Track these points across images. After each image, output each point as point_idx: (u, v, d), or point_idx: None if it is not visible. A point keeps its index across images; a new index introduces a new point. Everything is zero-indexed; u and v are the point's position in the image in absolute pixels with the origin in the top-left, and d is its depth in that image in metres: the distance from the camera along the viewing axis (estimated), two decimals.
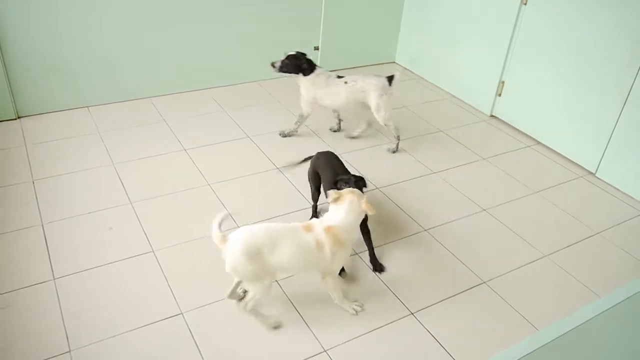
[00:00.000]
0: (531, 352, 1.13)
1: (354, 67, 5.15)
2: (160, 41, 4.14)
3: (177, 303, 2.46)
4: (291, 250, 2.22)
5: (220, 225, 2.26)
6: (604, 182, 3.64)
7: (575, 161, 3.82)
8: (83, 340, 2.24)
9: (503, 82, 4.27)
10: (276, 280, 2.60)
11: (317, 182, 2.95)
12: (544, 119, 4.01)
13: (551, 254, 2.95)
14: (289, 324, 2.41)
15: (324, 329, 2.38)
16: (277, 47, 4.65)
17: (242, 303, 2.30)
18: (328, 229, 2.28)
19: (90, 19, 3.82)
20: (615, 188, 3.58)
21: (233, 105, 4.27)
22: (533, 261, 2.89)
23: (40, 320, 2.33)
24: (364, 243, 2.76)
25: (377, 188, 3.39)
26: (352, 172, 2.80)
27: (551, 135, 3.99)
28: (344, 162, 2.97)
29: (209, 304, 2.47)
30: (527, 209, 3.32)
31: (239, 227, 2.50)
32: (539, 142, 4.07)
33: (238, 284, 2.41)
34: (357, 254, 2.84)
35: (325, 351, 2.28)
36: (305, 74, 3.64)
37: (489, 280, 2.72)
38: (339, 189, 2.52)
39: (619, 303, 1.31)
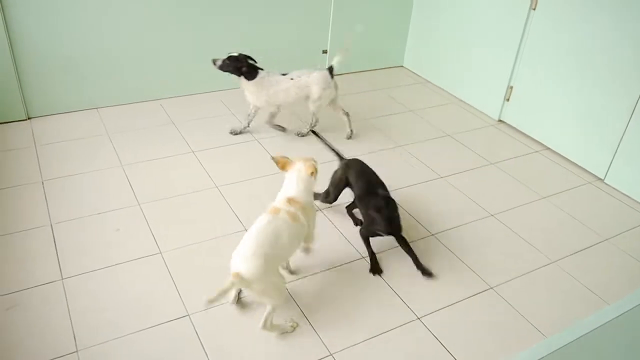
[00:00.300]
0: None
1: (361, 71, 5.16)
2: (169, 44, 4.17)
3: (183, 305, 2.46)
4: (284, 236, 2.30)
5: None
6: (613, 188, 3.62)
7: (584, 167, 3.81)
8: (90, 340, 2.25)
9: (511, 87, 4.26)
10: None
11: (341, 189, 2.96)
12: (552, 124, 4.00)
13: (559, 260, 2.94)
14: (296, 328, 2.40)
15: (330, 333, 2.38)
16: (286, 50, 4.69)
17: (264, 323, 2.30)
18: (290, 201, 2.43)
19: (100, 22, 3.85)
20: (623, 194, 3.56)
21: (241, 108, 4.27)
22: (540, 267, 2.87)
23: (47, 320, 2.34)
24: (369, 249, 2.78)
25: None
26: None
27: (559, 140, 3.97)
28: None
29: (216, 306, 2.47)
30: (534, 215, 3.31)
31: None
32: (547, 148, 4.05)
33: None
34: (363, 257, 2.84)
35: (331, 355, 2.28)
36: (247, 78, 3.65)
37: (496, 286, 2.71)
38: (366, 204, 2.72)
39: (629, 310, 1.30)
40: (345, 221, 3.10)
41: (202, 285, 2.58)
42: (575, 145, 3.86)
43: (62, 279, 2.55)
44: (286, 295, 2.45)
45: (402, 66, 5.39)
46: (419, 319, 2.49)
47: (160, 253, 2.76)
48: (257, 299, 2.36)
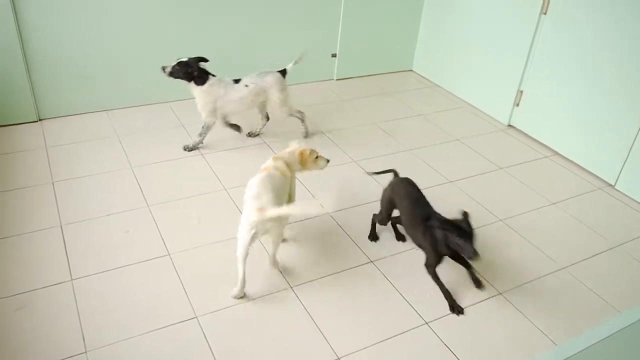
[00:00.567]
0: None
1: (370, 75, 5.16)
2: (179, 47, 4.17)
3: (192, 307, 2.47)
4: (277, 184, 2.60)
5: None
6: (624, 194, 3.60)
7: (594, 173, 3.78)
8: (99, 341, 2.26)
9: (521, 92, 4.24)
10: (292, 288, 2.61)
11: (390, 210, 2.84)
12: (562, 129, 3.98)
13: (568, 266, 2.92)
14: (303, 331, 2.41)
15: (338, 337, 2.38)
16: (296, 53, 4.69)
17: (272, 261, 2.69)
18: (275, 159, 2.74)
19: (111, 25, 3.88)
20: (635, 201, 3.54)
21: (249, 112, 4.28)
22: (550, 273, 2.85)
23: (56, 321, 2.35)
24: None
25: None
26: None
27: (570, 146, 3.95)
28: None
29: (224, 308, 2.47)
30: (544, 220, 3.29)
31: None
32: (557, 153, 4.03)
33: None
34: (371, 261, 2.83)
35: (339, 359, 2.28)
36: (197, 83, 3.50)
37: (505, 292, 2.69)
38: (430, 234, 2.49)
39: None
40: (354, 225, 3.09)
41: (210, 287, 2.59)
42: (585, 151, 3.84)
43: (72, 279, 2.56)
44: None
45: (411, 70, 5.38)
46: (426, 323, 2.48)
47: (169, 255, 2.77)
48: (271, 235, 2.57)
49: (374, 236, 3.01)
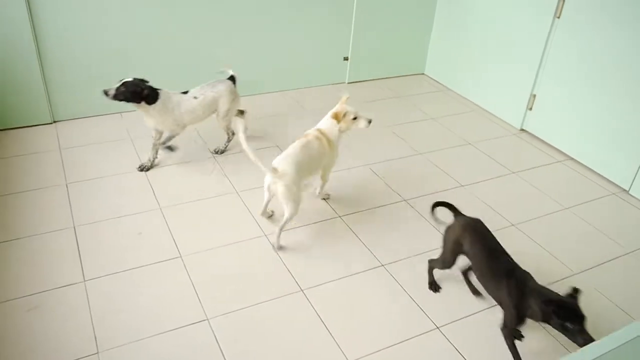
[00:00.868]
0: None
1: (382, 78, 5.15)
2: (192, 51, 4.21)
3: (203, 309, 2.48)
4: (312, 153, 2.91)
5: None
6: (638, 199, 3.56)
7: (608, 178, 3.75)
8: (111, 342, 2.28)
9: (534, 96, 4.21)
10: (302, 291, 2.61)
11: (456, 254, 2.48)
12: (576, 133, 3.94)
13: (581, 272, 2.89)
14: (314, 334, 2.40)
15: (349, 340, 2.37)
16: (308, 57, 4.71)
17: (281, 227, 2.85)
18: (319, 131, 3.02)
19: (126, 27, 3.91)
20: None
21: (261, 114, 4.30)
22: (562, 279, 2.83)
23: (69, 322, 2.37)
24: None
25: (404, 200, 3.37)
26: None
27: (583, 150, 3.92)
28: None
29: (235, 310, 2.48)
30: (557, 225, 3.27)
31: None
32: (570, 158, 4.00)
33: (267, 203, 3.02)
34: (382, 265, 2.82)
35: None
36: (149, 102, 3.28)
37: None
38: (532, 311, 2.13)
39: None
40: (364, 228, 3.09)
41: (222, 289, 2.59)
42: (599, 156, 3.80)
43: (84, 281, 2.58)
44: (299, 210, 2.86)
45: (423, 74, 5.37)
46: (438, 328, 2.47)
47: (181, 257, 2.78)
48: (281, 199, 2.79)
49: (435, 286, 2.69)
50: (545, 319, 2.08)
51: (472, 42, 4.71)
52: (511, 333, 2.28)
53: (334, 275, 2.74)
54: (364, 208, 3.26)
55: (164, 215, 3.07)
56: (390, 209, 3.29)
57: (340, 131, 3.06)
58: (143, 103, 3.28)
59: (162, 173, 3.47)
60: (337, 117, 3.03)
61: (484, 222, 2.50)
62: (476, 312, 2.57)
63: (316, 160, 2.99)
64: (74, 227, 2.93)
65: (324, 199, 3.31)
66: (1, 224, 2.92)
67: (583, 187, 3.70)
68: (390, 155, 3.87)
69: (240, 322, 2.43)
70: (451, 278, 2.75)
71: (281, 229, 2.86)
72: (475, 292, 2.67)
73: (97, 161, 3.54)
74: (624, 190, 3.65)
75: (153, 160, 3.52)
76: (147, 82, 3.31)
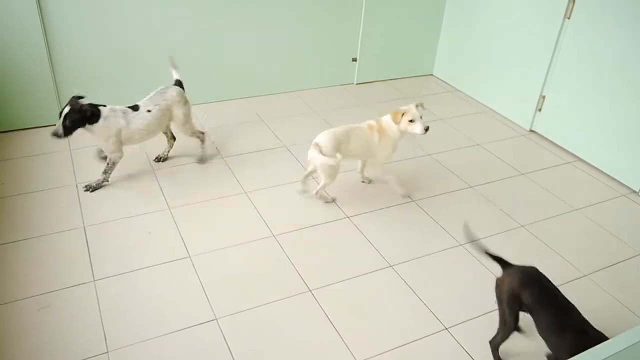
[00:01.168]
0: None
1: (391, 79, 5.15)
2: (201, 52, 4.23)
3: (212, 309, 2.49)
4: (357, 137, 3.11)
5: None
6: None
7: (618, 179, 3.72)
8: (120, 342, 2.29)
9: (544, 97, 4.20)
10: (311, 291, 2.62)
11: (517, 313, 2.15)
12: (585, 135, 3.92)
13: (591, 273, 2.88)
14: (322, 334, 2.41)
15: (357, 341, 2.37)
16: (316, 58, 4.72)
17: (316, 193, 3.21)
18: (377, 121, 3.17)
19: (135, 28, 3.93)
20: None
21: (270, 115, 4.32)
22: (572, 280, 2.82)
23: (79, 321, 2.39)
24: None
25: (412, 200, 3.37)
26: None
27: (593, 151, 3.89)
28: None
29: (244, 310, 2.49)
30: (566, 227, 3.25)
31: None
32: (579, 159, 3.98)
33: (309, 174, 3.25)
34: (390, 266, 2.82)
35: None
36: (91, 122, 3.03)
37: None
38: None
39: None
40: (373, 228, 3.09)
41: (230, 289, 2.60)
42: (609, 157, 3.78)
43: (94, 280, 2.60)
44: (334, 181, 3.14)
45: (431, 74, 5.36)
46: (446, 329, 2.47)
47: (189, 257, 2.79)
48: (318, 170, 3.10)
49: None
50: None
51: (480, 42, 4.70)
52: None
53: (342, 275, 2.74)
54: (372, 209, 3.27)
55: (173, 216, 3.09)
56: (398, 210, 3.29)
57: (400, 130, 3.11)
58: (87, 125, 3.04)
59: (170, 173, 3.49)
60: (394, 115, 3.09)
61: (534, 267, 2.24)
62: (485, 314, 2.56)
63: (358, 146, 3.12)
64: (84, 228, 2.95)
65: (327, 202, 3.29)
66: (12, 224, 2.95)
67: (592, 188, 3.68)
68: (399, 156, 3.85)
69: (249, 322, 2.44)
70: (460, 280, 2.74)
71: (317, 192, 3.22)
72: None
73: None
74: (634, 191, 3.63)
75: (102, 182, 3.27)
76: (83, 97, 3.06)
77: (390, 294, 2.66)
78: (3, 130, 3.83)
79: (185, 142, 3.82)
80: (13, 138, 3.77)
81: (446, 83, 5.19)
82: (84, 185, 3.28)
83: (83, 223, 2.98)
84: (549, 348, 2.10)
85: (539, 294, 2.08)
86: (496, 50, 4.54)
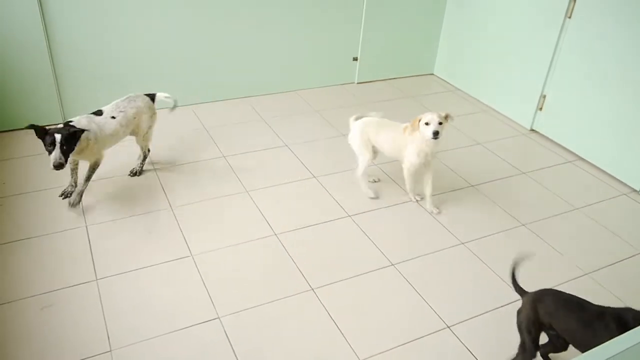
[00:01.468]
0: None
1: (391, 78, 5.15)
2: (201, 51, 4.23)
3: (214, 307, 2.49)
4: (387, 132, 3.23)
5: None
6: None
7: (619, 178, 3.73)
8: (123, 341, 2.30)
9: (544, 96, 4.20)
10: (313, 290, 2.62)
11: (536, 334, 2.09)
12: (586, 134, 3.93)
13: (592, 272, 2.88)
14: (325, 332, 2.41)
15: (359, 339, 2.38)
16: (317, 57, 4.72)
17: (358, 173, 3.32)
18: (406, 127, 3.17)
19: (135, 30, 3.94)
20: None
21: (272, 114, 4.32)
22: (573, 279, 2.82)
23: (81, 320, 2.39)
24: None
25: (414, 201, 3.37)
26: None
27: (594, 151, 3.90)
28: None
29: (246, 309, 2.49)
30: (567, 226, 3.26)
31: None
32: (580, 158, 3.98)
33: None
34: (392, 265, 2.83)
35: None
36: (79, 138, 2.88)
37: None
38: None
39: None
40: (374, 227, 3.09)
41: (232, 288, 2.61)
42: (609, 156, 3.79)
43: (96, 279, 2.61)
44: (366, 161, 3.28)
45: (432, 74, 5.36)
46: (448, 327, 2.47)
47: (191, 256, 2.80)
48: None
49: None
50: None
51: (481, 42, 4.70)
52: None
53: (344, 274, 2.74)
54: (374, 207, 3.27)
55: (175, 215, 3.09)
56: (400, 209, 3.29)
57: (422, 135, 3.06)
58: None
59: (172, 173, 3.49)
60: (413, 122, 3.07)
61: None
62: (487, 312, 2.56)
63: (386, 141, 3.24)
64: (86, 227, 2.96)
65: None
66: (14, 224, 2.95)
67: (593, 187, 3.69)
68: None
69: (251, 321, 2.44)
70: (461, 279, 2.75)
71: (356, 174, 3.35)
72: None
73: (108, 161, 3.54)
74: (635, 190, 3.64)
75: (78, 196, 3.07)
76: (71, 121, 2.95)
77: (392, 293, 2.66)
78: (4, 129, 3.84)
79: (185, 142, 3.83)
80: (14, 137, 3.77)
81: (447, 82, 5.19)
82: (69, 201, 3.09)
83: (85, 222, 2.99)
84: (584, 350, 1.98)
85: (552, 302, 2.08)
86: (497, 49, 4.55)
